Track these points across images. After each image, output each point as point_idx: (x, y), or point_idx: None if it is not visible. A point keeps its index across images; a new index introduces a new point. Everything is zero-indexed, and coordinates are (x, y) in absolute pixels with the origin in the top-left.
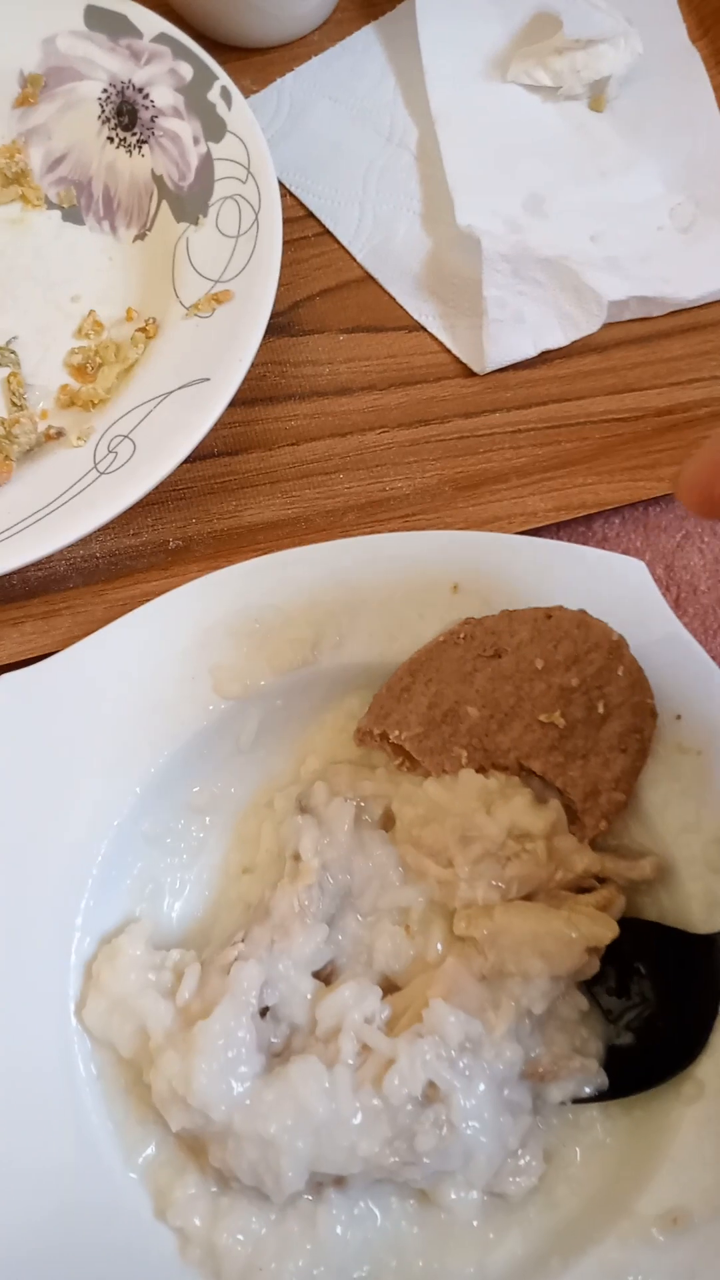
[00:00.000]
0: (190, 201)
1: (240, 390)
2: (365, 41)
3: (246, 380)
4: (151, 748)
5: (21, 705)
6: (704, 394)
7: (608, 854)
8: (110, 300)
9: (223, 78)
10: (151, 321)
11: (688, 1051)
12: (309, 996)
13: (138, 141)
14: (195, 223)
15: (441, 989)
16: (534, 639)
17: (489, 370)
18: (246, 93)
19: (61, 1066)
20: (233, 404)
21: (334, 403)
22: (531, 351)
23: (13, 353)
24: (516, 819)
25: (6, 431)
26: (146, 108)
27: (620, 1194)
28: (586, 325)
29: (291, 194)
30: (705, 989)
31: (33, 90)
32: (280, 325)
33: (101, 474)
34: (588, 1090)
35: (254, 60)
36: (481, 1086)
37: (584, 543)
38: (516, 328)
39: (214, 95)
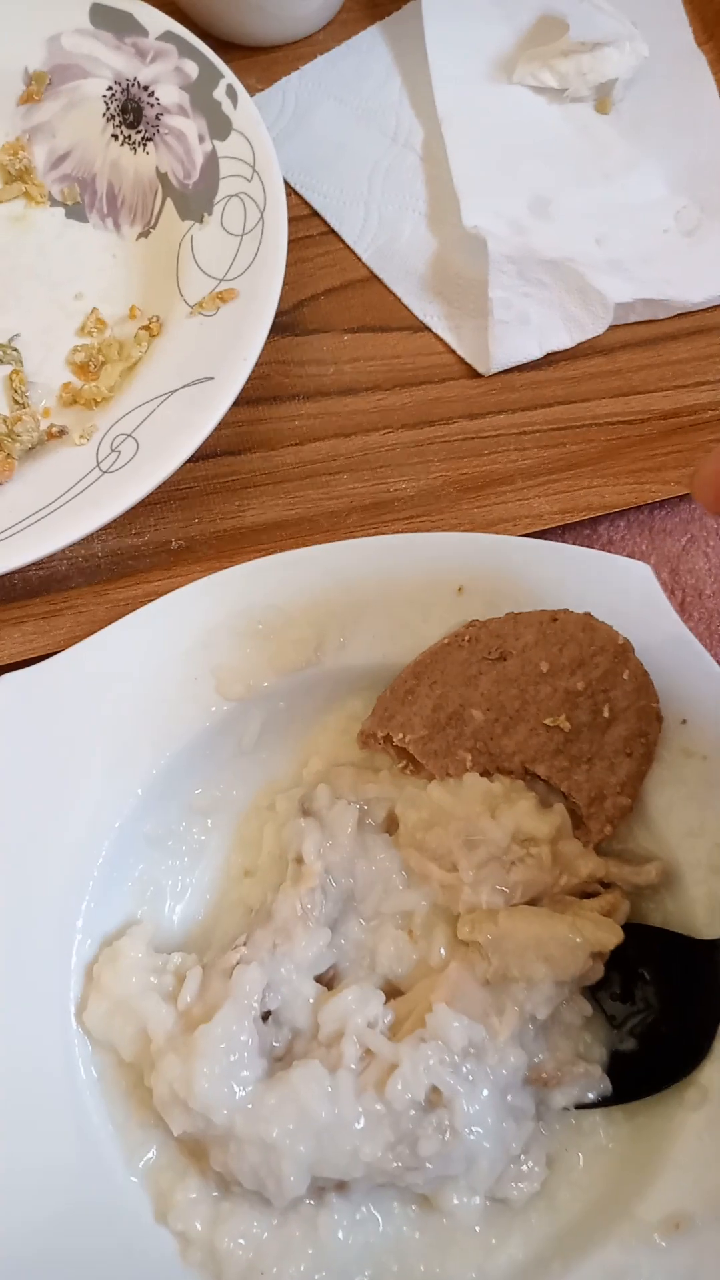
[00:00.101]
0: (195, 199)
1: (244, 389)
2: (370, 41)
3: (250, 379)
4: (153, 749)
5: (23, 705)
6: (709, 397)
7: (612, 859)
8: (113, 298)
9: (228, 76)
10: (155, 320)
11: (691, 1057)
12: (311, 1000)
13: (142, 139)
14: (200, 221)
15: (445, 993)
16: (539, 642)
17: (494, 372)
18: (251, 91)
19: (62, 1069)
20: (236, 403)
21: (338, 403)
22: (537, 353)
23: (15, 350)
24: (521, 823)
25: (9, 429)
26: (151, 105)
27: (622, 1198)
28: (592, 327)
29: (296, 193)
30: (709, 994)
31: (37, 88)
32: (284, 324)
33: (104, 473)
34: (591, 1095)
35: (259, 59)
36: (485, 1092)
37: (589, 545)
38: (522, 329)
39: (219, 93)
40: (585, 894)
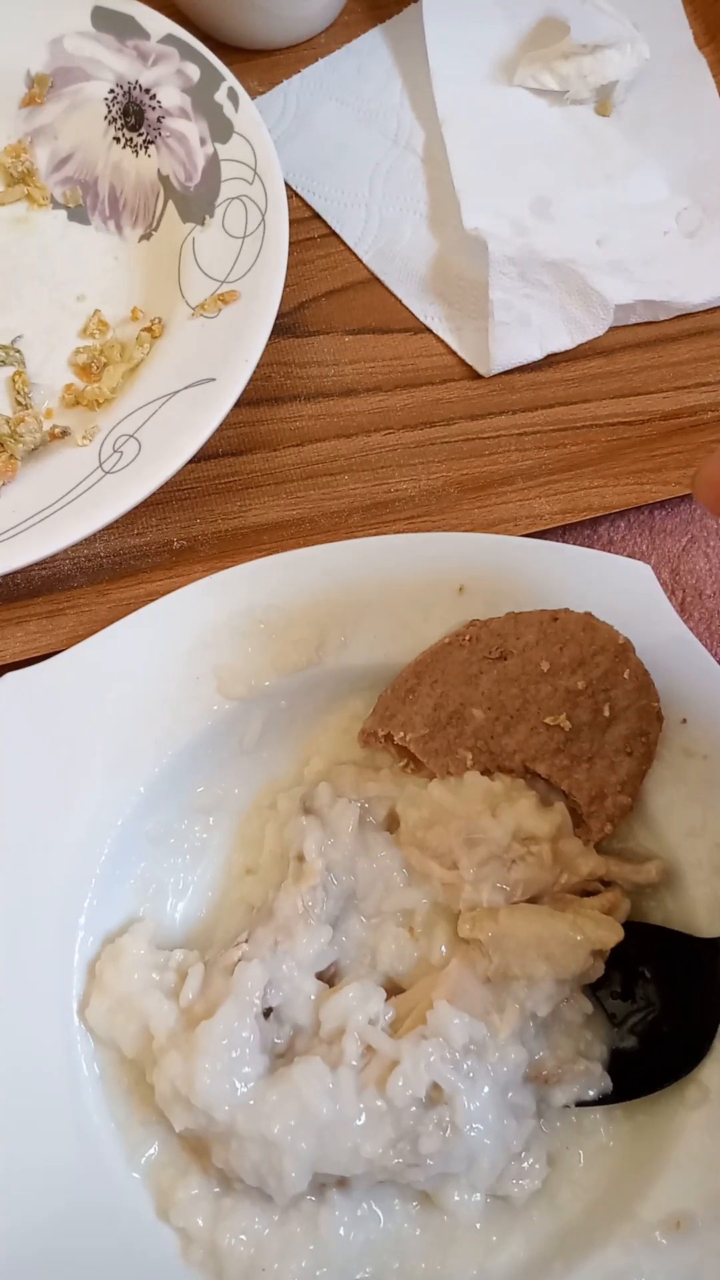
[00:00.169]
0: (197, 202)
1: (245, 391)
2: (372, 44)
3: (252, 381)
4: (155, 748)
5: (25, 704)
6: (710, 398)
7: (613, 857)
8: (115, 300)
9: (230, 79)
10: (157, 321)
11: (692, 1055)
12: (312, 998)
13: (144, 142)
14: (201, 223)
15: (446, 991)
16: (540, 641)
17: (495, 373)
18: (253, 94)
19: (64, 1066)
20: (238, 404)
21: (339, 404)
22: (537, 354)
23: (18, 352)
24: (522, 822)
25: (11, 430)
26: (153, 108)
27: (623, 1197)
28: (592, 328)
29: (298, 195)
30: (710, 993)
31: (39, 90)
32: (286, 326)
33: (106, 473)
34: (591, 1094)
35: (260, 62)
36: (485, 1089)
37: (590, 546)
38: (522, 330)
39: (221, 96)
40: (586, 892)
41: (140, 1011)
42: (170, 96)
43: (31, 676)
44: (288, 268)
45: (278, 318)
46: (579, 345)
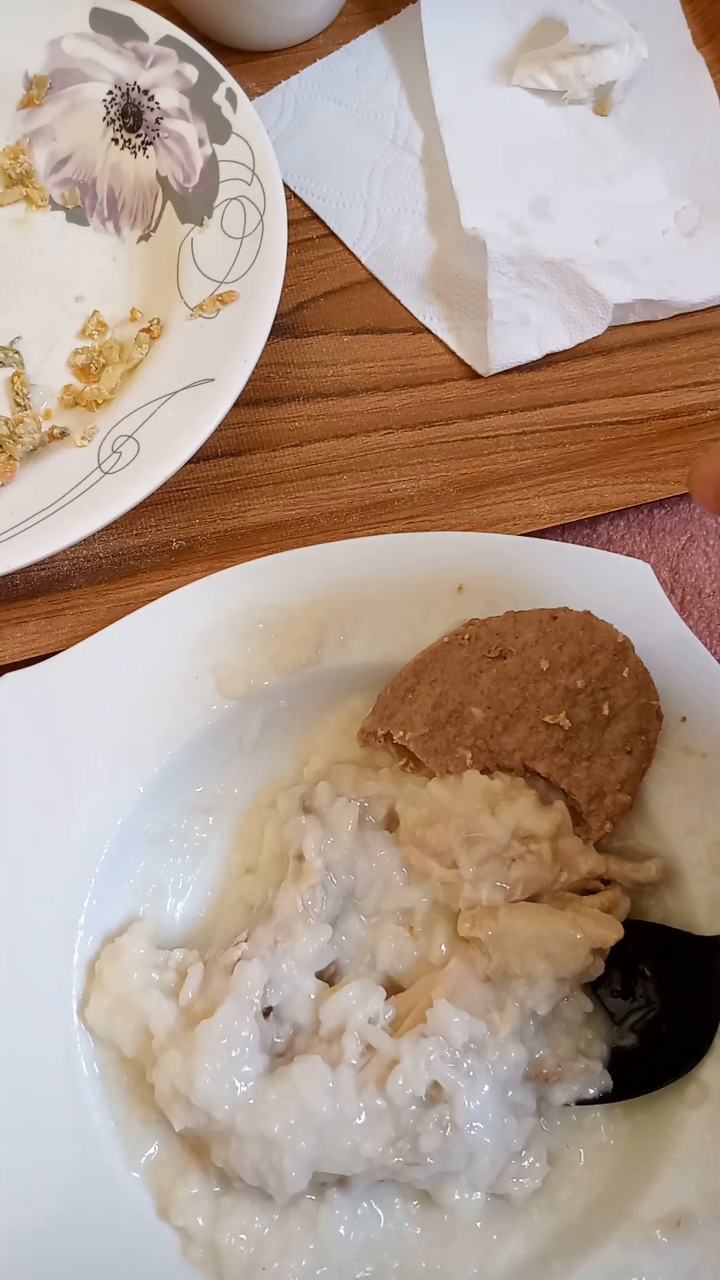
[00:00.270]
0: (195, 203)
1: (244, 391)
2: (370, 45)
3: (250, 381)
4: (155, 747)
5: (25, 704)
6: (709, 397)
7: (612, 856)
8: (114, 301)
9: (228, 80)
10: (156, 322)
11: (692, 1054)
12: (312, 997)
13: (143, 143)
14: (200, 224)
15: (445, 990)
16: (539, 640)
17: (494, 372)
18: (251, 95)
19: (64, 1066)
20: (237, 405)
21: (338, 404)
22: (536, 354)
23: (16, 352)
24: (521, 820)
25: (10, 431)
26: (152, 109)
27: (623, 1196)
28: (591, 328)
29: (296, 196)
30: (710, 991)
31: (38, 92)
32: (285, 326)
33: (105, 474)
34: (591, 1092)
35: (258, 63)
36: (485, 1088)
37: (589, 545)
38: (521, 330)
39: (219, 97)
40: (585, 891)
41: (140, 1011)
42: (168, 97)
43: (31, 677)
44: (286, 268)
45: (276, 318)
46: (578, 345)
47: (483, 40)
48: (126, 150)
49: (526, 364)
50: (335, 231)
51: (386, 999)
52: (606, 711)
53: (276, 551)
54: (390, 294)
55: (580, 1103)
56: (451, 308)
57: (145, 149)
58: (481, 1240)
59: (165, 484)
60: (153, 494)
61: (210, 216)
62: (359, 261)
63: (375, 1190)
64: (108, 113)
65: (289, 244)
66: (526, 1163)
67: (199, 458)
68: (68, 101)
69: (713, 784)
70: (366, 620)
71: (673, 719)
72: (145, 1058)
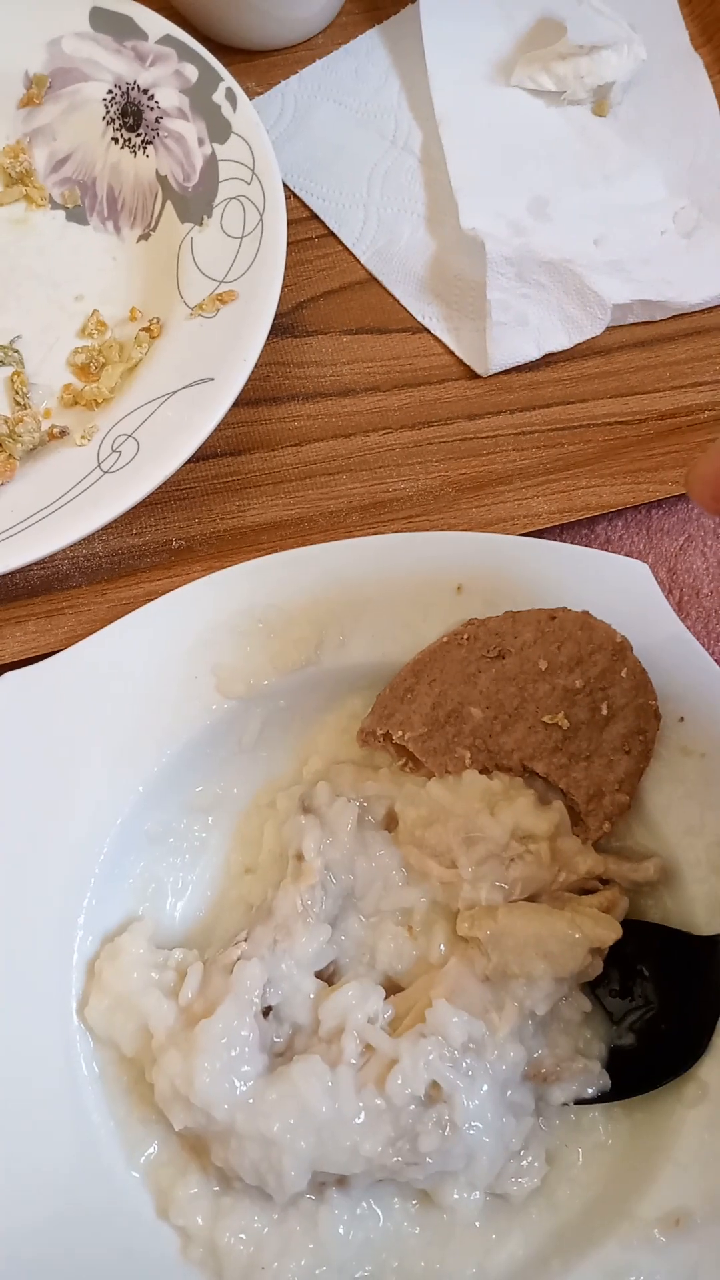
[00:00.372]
0: (195, 202)
1: (244, 391)
2: (369, 45)
3: (250, 381)
4: (154, 747)
5: (24, 704)
6: (707, 398)
7: (611, 856)
8: (114, 300)
9: (228, 79)
10: (155, 321)
11: (690, 1053)
12: (311, 996)
13: (142, 142)
14: (200, 223)
15: (444, 989)
16: (538, 640)
17: (492, 372)
18: (251, 95)
19: (63, 1065)
20: (236, 404)
21: (337, 404)
22: (535, 354)
23: (16, 352)
24: (520, 820)
25: (10, 430)
26: (151, 109)
27: (622, 1195)
28: (590, 328)
29: (295, 196)
30: (708, 991)
31: (38, 91)
32: (284, 326)
33: (105, 473)
34: (590, 1092)
35: (258, 63)
36: (484, 1087)
37: (587, 545)
38: (520, 330)
39: (219, 97)
40: (584, 890)
41: (139, 1010)
42: (168, 97)
43: (30, 676)
44: (286, 268)
45: (276, 318)
46: (576, 345)
47: (481, 41)
48: (126, 149)
49: (525, 364)
50: (335, 231)
51: (385, 999)
52: (605, 711)
53: (276, 551)
54: (389, 294)
55: (579, 1102)
56: (450, 308)
57: (145, 148)
58: (480, 1240)
59: (165, 483)
60: (152, 493)
61: (210, 216)
62: (358, 261)
63: (374, 1190)
64: (107, 112)
65: (288, 244)
66: (525, 1162)
67: (198, 457)
68: (67, 101)
69: (711, 784)
70: (366, 620)
71: (671, 719)
72: (145, 1057)
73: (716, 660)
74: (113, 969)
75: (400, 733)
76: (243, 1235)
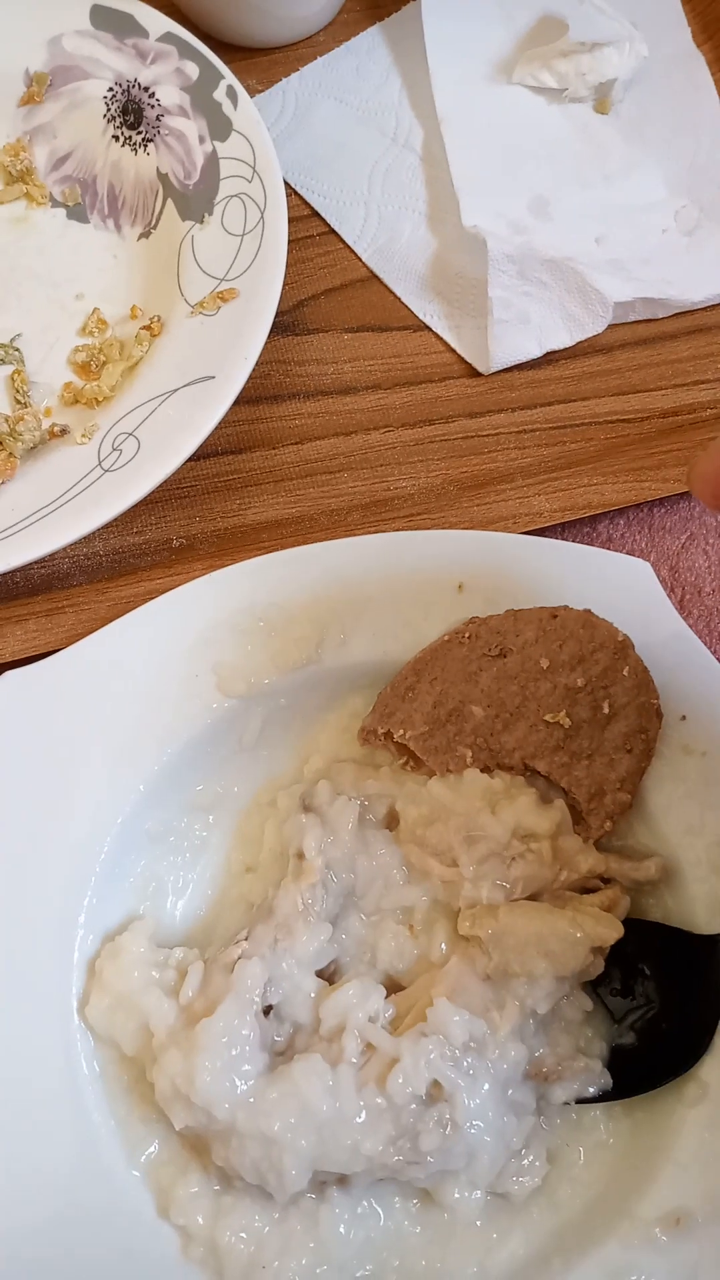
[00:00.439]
0: (195, 200)
1: (245, 389)
2: (370, 43)
3: (251, 379)
4: (155, 745)
5: (25, 702)
6: (709, 396)
7: (612, 855)
8: (114, 298)
9: (229, 77)
10: (156, 319)
11: (691, 1053)
12: (312, 995)
13: (143, 140)
14: (200, 221)
15: (445, 988)
16: (539, 639)
17: (494, 370)
18: (252, 93)
19: (64, 1064)
20: (237, 402)
21: (338, 402)
22: (536, 352)
23: (16, 350)
24: (521, 819)
25: (11, 429)
26: (152, 107)
27: (623, 1195)
28: (591, 326)
29: (296, 193)
30: (709, 990)
31: (38, 89)
32: (285, 324)
33: (105, 471)
34: (591, 1091)
35: (259, 60)
36: (485, 1086)
37: (589, 543)
38: (521, 328)
39: (220, 94)
40: (585, 889)
41: (140, 1009)
42: (169, 95)
43: (31, 675)
44: (287, 265)
45: (277, 315)
46: (578, 343)
47: (483, 39)
48: (127, 147)
49: (527, 362)
50: (336, 229)
51: (386, 997)
52: (606, 710)
53: (277, 549)
54: (391, 292)
55: (580, 1101)
56: (452, 306)
57: (146, 146)
58: (481, 1239)
59: (165, 482)
60: (153, 491)
61: (211, 214)
62: (359, 259)
63: (375, 1189)
64: (108, 110)
65: (289, 241)
66: (526, 1161)
67: (199, 455)
68: (68, 99)
69: (712, 783)
70: (367, 618)
71: (672, 717)
72: (145, 1056)
73: (718, 659)
74: (113, 968)
75: (401, 731)
76: (243, 1234)
